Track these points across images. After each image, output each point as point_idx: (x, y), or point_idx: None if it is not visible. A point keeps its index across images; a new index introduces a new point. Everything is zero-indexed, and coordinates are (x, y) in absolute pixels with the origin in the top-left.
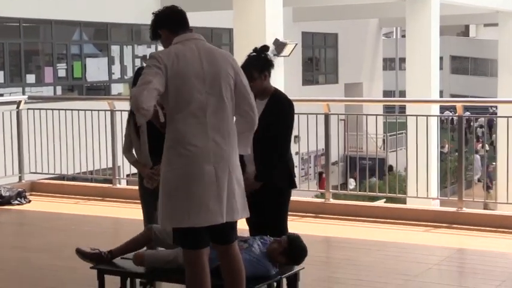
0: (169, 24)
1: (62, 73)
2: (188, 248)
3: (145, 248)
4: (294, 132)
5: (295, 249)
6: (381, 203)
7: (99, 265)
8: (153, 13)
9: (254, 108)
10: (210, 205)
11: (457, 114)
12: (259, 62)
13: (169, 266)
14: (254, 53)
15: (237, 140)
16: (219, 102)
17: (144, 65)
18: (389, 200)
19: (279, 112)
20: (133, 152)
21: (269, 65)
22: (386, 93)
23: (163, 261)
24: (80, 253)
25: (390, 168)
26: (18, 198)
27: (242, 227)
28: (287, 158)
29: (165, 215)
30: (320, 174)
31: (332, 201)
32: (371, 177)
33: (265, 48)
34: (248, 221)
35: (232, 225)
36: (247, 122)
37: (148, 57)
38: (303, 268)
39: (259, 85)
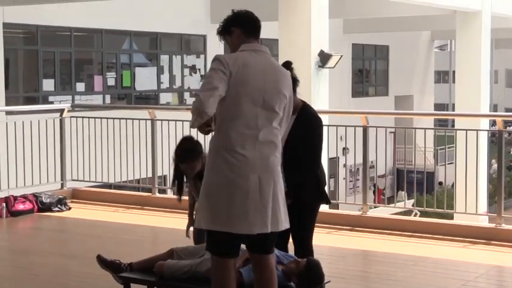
0: (245, 25)
1: (111, 82)
2: (218, 255)
3: None
4: (342, 144)
5: (310, 276)
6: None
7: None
8: (232, 10)
9: (285, 132)
10: (249, 215)
11: (497, 129)
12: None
13: (185, 276)
14: None
15: None
16: (271, 116)
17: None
18: (436, 215)
19: (307, 129)
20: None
21: (296, 80)
22: (439, 106)
23: (181, 271)
24: (100, 260)
25: (440, 184)
26: (59, 205)
27: None
28: (317, 173)
29: (204, 217)
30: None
31: (369, 214)
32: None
33: (289, 64)
34: None
35: (275, 236)
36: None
37: (213, 59)
38: (329, 281)
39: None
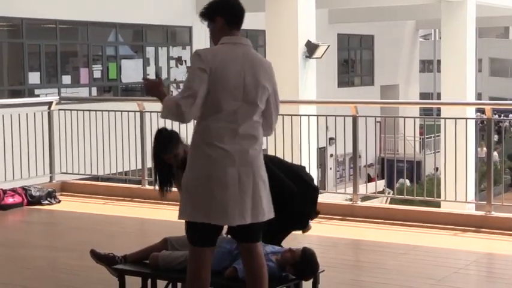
0: (230, 16)
1: (97, 74)
2: (194, 244)
3: None
4: (329, 135)
5: (306, 266)
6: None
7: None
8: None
9: (275, 123)
10: (229, 207)
11: (486, 117)
12: None
13: (180, 266)
14: None
15: None
16: (251, 109)
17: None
18: (423, 203)
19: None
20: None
21: None
22: (424, 96)
23: (175, 262)
24: (94, 254)
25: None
26: (48, 198)
27: None
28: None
29: (185, 209)
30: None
31: (360, 203)
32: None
33: None
34: None
35: (258, 226)
36: (265, 132)
37: (193, 54)
38: (323, 271)
39: None
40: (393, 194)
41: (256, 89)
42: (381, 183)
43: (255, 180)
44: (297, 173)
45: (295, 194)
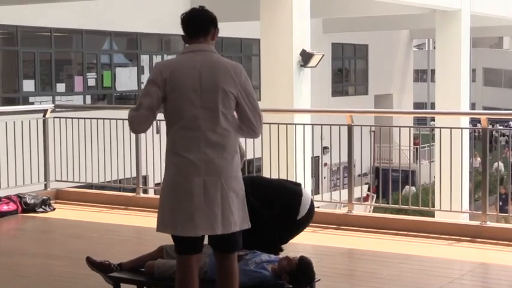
0: (185, 29)
1: (91, 82)
2: (179, 254)
3: None
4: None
5: (302, 275)
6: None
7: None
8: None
9: (257, 125)
10: (195, 218)
11: (481, 127)
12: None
13: (175, 275)
14: None
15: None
16: (213, 115)
17: None
18: (417, 213)
19: None
20: None
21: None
22: (418, 105)
23: (171, 270)
24: (90, 262)
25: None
26: (43, 206)
27: None
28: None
29: (157, 219)
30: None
31: (355, 212)
32: (398, 189)
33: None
34: None
35: (229, 237)
36: (250, 135)
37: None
38: (319, 280)
39: None
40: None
41: (215, 93)
42: (365, 189)
43: (223, 191)
44: (278, 185)
45: (267, 224)
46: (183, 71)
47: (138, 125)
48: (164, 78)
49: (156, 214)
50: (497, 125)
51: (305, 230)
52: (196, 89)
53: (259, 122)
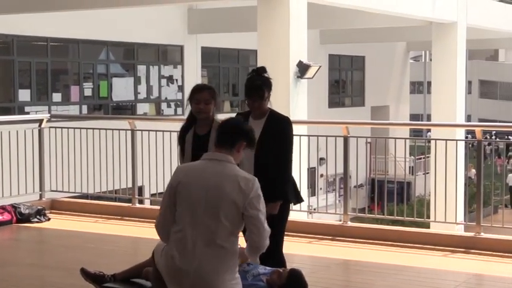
0: (216, 136)
1: (88, 92)
2: None
3: None
4: (320, 155)
5: (293, 287)
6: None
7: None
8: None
9: (262, 237)
10: None
11: (476, 139)
12: (269, 83)
13: None
14: (254, 74)
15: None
16: (216, 225)
17: None
18: (413, 224)
19: (279, 130)
20: None
21: (269, 83)
22: (415, 117)
23: None
24: (84, 272)
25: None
26: (38, 216)
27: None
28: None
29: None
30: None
31: (350, 224)
32: (394, 201)
33: (264, 69)
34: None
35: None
36: (252, 247)
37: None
38: None
39: (265, 105)
40: (384, 214)
41: (219, 204)
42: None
43: None
44: None
45: None
46: (194, 179)
47: (162, 233)
48: (179, 181)
49: (151, 225)
50: (494, 137)
51: (301, 241)
52: (200, 197)
53: (262, 240)
